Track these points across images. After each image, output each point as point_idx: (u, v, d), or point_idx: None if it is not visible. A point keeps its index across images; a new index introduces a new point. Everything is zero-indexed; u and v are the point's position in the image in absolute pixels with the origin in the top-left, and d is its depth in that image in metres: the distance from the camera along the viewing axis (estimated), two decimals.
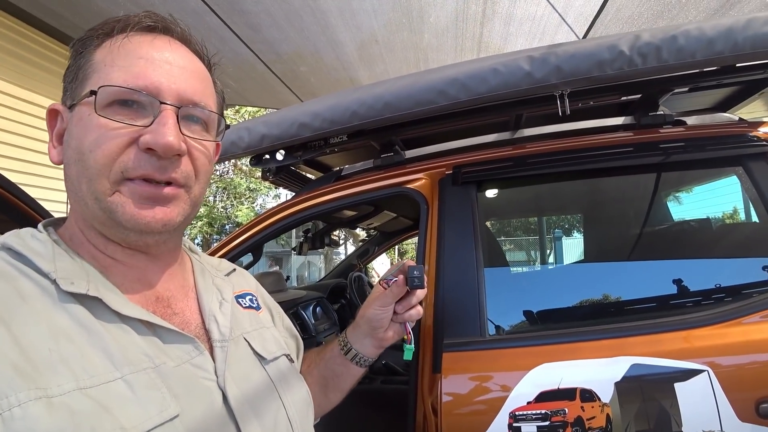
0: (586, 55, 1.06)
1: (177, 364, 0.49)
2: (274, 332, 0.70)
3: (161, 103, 0.49)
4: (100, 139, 0.48)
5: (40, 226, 0.53)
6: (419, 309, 0.77)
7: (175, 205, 0.52)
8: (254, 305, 0.70)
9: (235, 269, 0.74)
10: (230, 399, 0.51)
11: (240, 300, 0.67)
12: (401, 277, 0.72)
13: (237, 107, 10.10)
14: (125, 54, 0.50)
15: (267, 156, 1.39)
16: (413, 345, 0.77)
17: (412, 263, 0.75)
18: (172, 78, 0.50)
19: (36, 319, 0.43)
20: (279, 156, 1.37)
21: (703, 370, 0.90)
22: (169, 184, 0.51)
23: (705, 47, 1.02)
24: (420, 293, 0.76)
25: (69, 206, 0.54)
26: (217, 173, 14.14)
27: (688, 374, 0.90)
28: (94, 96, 0.48)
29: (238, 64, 3.74)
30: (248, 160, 1.45)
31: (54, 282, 0.45)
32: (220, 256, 1.36)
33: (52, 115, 0.54)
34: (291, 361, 0.69)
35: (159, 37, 0.53)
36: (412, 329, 0.77)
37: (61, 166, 0.53)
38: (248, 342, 0.61)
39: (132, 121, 0.48)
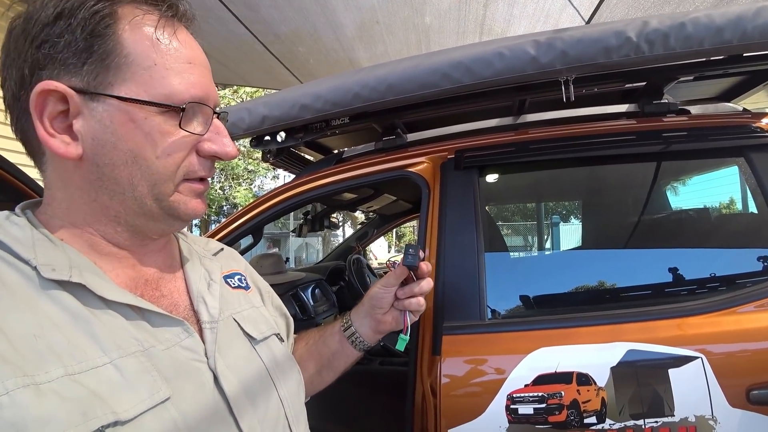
0: (593, 41, 1.04)
1: (166, 347, 0.49)
2: (264, 311, 0.70)
3: (214, 112, 0.53)
4: (171, 148, 0.49)
5: (17, 209, 0.51)
6: (420, 301, 0.76)
7: (206, 195, 0.57)
8: (243, 285, 0.69)
9: (222, 249, 0.73)
10: (221, 380, 0.51)
11: (228, 280, 0.67)
12: (403, 257, 0.73)
13: (235, 87, 9.98)
14: (174, 56, 0.49)
15: (267, 137, 1.37)
16: (408, 336, 0.76)
17: (414, 244, 0.75)
18: (209, 83, 0.53)
19: (19, 307, 0.42)
20: (280, 137, 1.36)
21: (697, 357, 0.91)
22: (206, 179, 0.55)
23: (713, 35, 1.01)
24: (424, 285, 0.75)
25: (61, 197, 0.51)
26: None
27: (682, 360, 0.91)
28: (171, 107, 0.48)
29: (236, 44, 3.68)
30: (248, 141, 1.44)
31: (35, 269, 0.44)
32: (220, 238, 1.36)
33: (44, 95, 0.46)
34: (281, 340, 0.69)
35: (180, 28, 0.52)
36: (411, 323, 0.77)
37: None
38: (238, 322, 0.60)
39: (193, 129, 0.51)
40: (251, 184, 14.20)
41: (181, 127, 0.49)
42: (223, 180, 14.15)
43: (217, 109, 0.55)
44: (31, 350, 0.40)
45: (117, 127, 0.47)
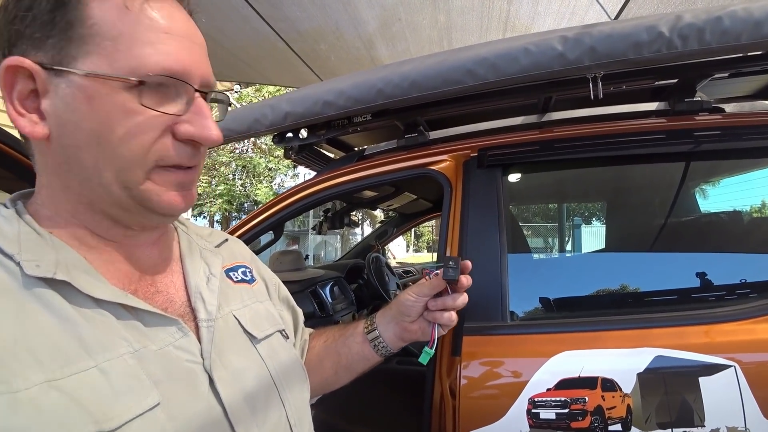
0: (623, 36, 1.01)
1: (159, 348, 0.46)
2: (269, 306, 0.67)
3: (195, 90, 0.47)
4: (136, 128, 0.44)
5: (7, 201, 0.49)
6: (452, 316, 0.72)
7: (194, 186, 0.52)
8: (247, 278, 0.66)
9: (227, 239, 0.70)
10: (217, 382, 0.48)
11: (231, 273, 0.64)
12: (442, 270, 0.69)
13: (258, 86, 10.11)
14: (148, 25, 0.44)
15: (290, 134, 1.38)
16: (433, 350, 0.73)
17: (453, 256, 0.71)
18: (195, 58, 0.47)
19: None
20: (302, 134, 1.36)
21: (730, 366, 0.88)
22: (191, 168, 0.50)
23: (752, 29, 0.96)
24: (459, 300, 0.72)
25: (45, 183, 0.48)
26: (237, 151, 14.26)
27: (713, 369, 0.88)
28: (129, 80, 0.43)
29: (259, 42, 3.71)
30: (270, 138, 1.45)
31: (18, 265, 0.41)
32: (241, 234, 1.37)
33: (11, 72, 0.43)
34: (285, 336, 0.66)
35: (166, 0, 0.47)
36: (438, 336, 0.74)
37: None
38: (238, 319, 0.57)
39: (165, 108, 0.45)
40: (272, 182, 14.36)
41: (142, 105, 0.43)
42: (244, 177, 14.36)
43: (210, 91, 0.50)
44: (10, 354, 0.37)
45: (78, 105, 0.43)
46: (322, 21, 3.23)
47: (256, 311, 0.62)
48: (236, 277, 0.64)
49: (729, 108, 1.23)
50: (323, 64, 4.05)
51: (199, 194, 14.07)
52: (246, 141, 13.36)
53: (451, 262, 0.68)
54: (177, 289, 0.54)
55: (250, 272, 0.68)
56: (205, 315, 0.52)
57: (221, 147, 13.50)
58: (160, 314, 0.48)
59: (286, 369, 0.60)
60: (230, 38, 4.07)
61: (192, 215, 14.13)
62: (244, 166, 13.97)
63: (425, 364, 0.75)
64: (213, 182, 14.38)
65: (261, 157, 13.66)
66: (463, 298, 0.72)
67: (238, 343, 0.55)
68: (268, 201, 1.40)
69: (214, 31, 3.78)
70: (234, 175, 14.62)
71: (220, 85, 7.65)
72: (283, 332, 0.66)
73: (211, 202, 14.25)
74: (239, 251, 0.71)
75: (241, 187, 14.23)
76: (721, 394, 0.86)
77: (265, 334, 0.60)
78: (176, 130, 0.47)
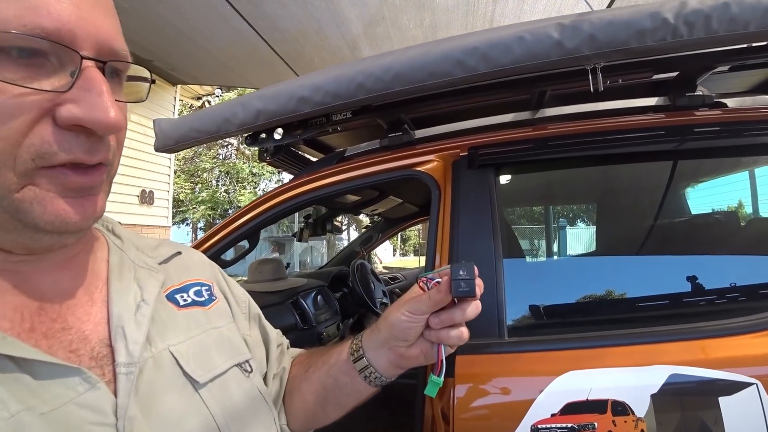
0: (625, 23, 0.92)
1: (52, 408, 0.35)
2: (229, 331, 0.55)
3: (83, 57, 0.35)
4: None
5: None
6: (463, 333, 0.55)
7: (103, 191, 0.40)
8: (202, 299, 0.54)
9: (179, 253, 0.57)
10: None
11: (178, 296, 0.52)
12: (446, 279, 0.51)
13: (240, 90, 9.94)
14: None
15: (264, 134, 1.27)
16: (442, 378, 0.55)
17: (464, 263, 0.52)
18: (83, 14, 0.35)
19: None
20: (277, 134, 1.25)
21: (752, 383, 0.79)
22: (94, 166, 0.38)
23: (761, 17, 0.89)
24: (471, 309, 0.53)
25: None
26: (220, 157, 14.06)
27: (734, 387, 0.79)
28: None
29: (239, 43, 3.60)
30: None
31: None
32: (212, 245, 1.25)
33: None
34: (247, 370, 0.54)
35: None
36: (446, 356, 0.56)
37: None
38: (176, 359, 0.45)
39: (38, 83, 0.34)
40: (256, 188, 14.19)
41: (1, 80, 0.32)
42: (228, 183, 14.16)
43: (110, 61, 0.37)
44: None
45: None
46: (304, 20, 3.14)
47: (205, 343, 0.50)
48: (184, 300, 0.52)
49: (730, 103, 1.16)
50: (306, 66, 3.95)
51: (181, 201, 13.85)
52: (229, 147, 13.18)
53: (462, 272, 0.50)
54: (95, 324, 0.42)
55: (208, 291, 0.56)
56: (125, 358, 0.40)
57: (203, 152, 13.31)
58: (54, 363, 0.36)
59: (240, 413, 0.48)
60: (209, 38, 3.93)
61: (174, 223, 13.88)
62: (227, 172, 13.79)
63: (434, 395, 0.58)
64: (196, 189, 14.15)
65: (244, 163, 13.49)
66: (474, 308, 0.54)
67: (175, 388, 0.44)
68: (240, 208, 1.28)
69: (191, 30, 3.66)
70: (217, 181, 14.41)
71: (200, 89, 7.44)
72: (245, 365, 0.54)
73: (193, 209, 14.01)
74: (195, 265, 0.59)
75: (224, 194, 14.03)
76: (744, 414, 0.78)
77: (213, 375, 0.48)
78: (57, 112, 0.35)
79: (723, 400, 0.79)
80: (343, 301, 2.43)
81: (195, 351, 0.48)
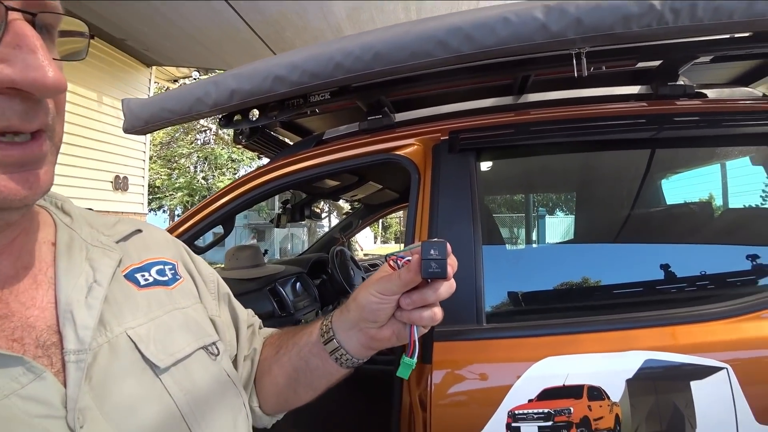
0: (611, 8, 0.91)
1: None
2: (195, 312, 0.53)
3: (8, 8, 0.31)
4: None
5: None
6: (436, 314, 0.51)
7: (48, 162, 0.36)
8: (165, 278, 0.51)
9: (139, 231, 0.54)
10: None
11: (138, 275, 0.49)
12: (417, 258, 0.48)
13: (218, 73, 9.69)
14: None
15: (238, 116, 1.22)
16: (415, 359, 0.53)
17: (435, 240, 0.48)
18: None
19: None
20: (252, 116, 1.20)
21: (722, 368, 0.81)
22: (34, 135, 0.34)
23: (745, 8, 0.89)
24: (444, 289, 0.50)
25: None
26: (198, 142, 13.74)
27: (705, 371, 0.81)
28: None
29: (219, 25, 3.48)
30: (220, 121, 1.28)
31: None
32: (186, 230, 1.21)
33: None
34: (213, 353, 0.51)
35: None
36: (419, 336, 0.54)
37: None
38: (135, 343, 0.42)
39: None
40: (235, 174, 13.95)
41: None
42: (206, 170, 13.87)
43: (40, 12, 0.33)
44: None
45: None
46: (287, 1, 3.04)
47: (168, 326, 0.47)
48: (145, 280, 0.49)
49: (711, 94, 1.17)
50: (287, 48, 3.85)
51: (158, 187, 13.53)
52: (207, 131, 12.88)
53: (433, 251, 0.47)
54: (42, 309, 0.38)
55: (171, 270, 0.53)
56: (74, 344, 0.37)
57: (180, 137, 12.99)
58: None
59: (205, 398, 0.46)
60: (186, 18, 3.78)
61: (150, 210, 13.55)
62: (205, 158, 13.51)
63: (406, 377, 0.57)
64: (173, 175, 13.82)
65: (223, 148, 13.23)
66: (448, 287, 0.51)
67: (133, 374, 0.41)
68: (214, 193, 1.23)
69: (167, 9, 3.50)
70: (195, 166, 14.10)
71: (176, 72, 7.18)
72: (211, 347, 0.51)
73: (170, 195, 13.70)
74: (157, 243, 0.56)
75: (202, 180, 13.76)
76: (713, 398, 0.80)
77: (176, 359, 0.45)
78: None
79: (694, 384, 0.80)
80: (322, 288, 2.41)
81: (156, 334, 0.45)
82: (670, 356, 0.81)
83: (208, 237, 1.76)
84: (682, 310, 0.88)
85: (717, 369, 0.81)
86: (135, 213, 5.87)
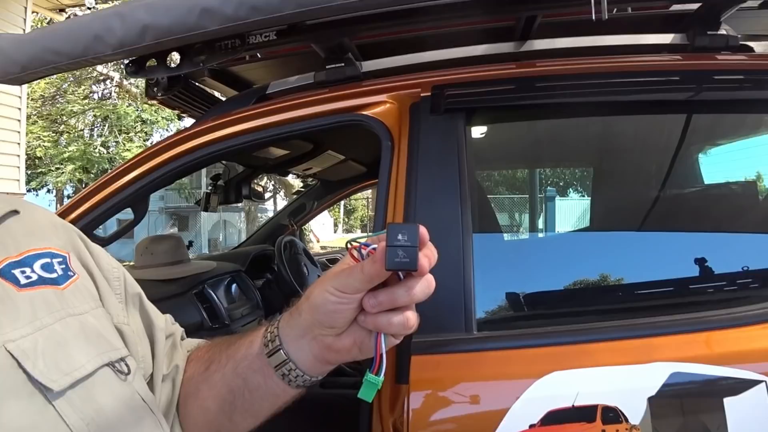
0: None
1: None
2: (95, 319, 0.53)
3: None
4: None
5: None
6: (409, 320, 0.51)
7: None
8: (54, 275, 0.51)
9: (15, 212, 0.53)
10: None
11: (17, 271, 0.49)
12: (382, 245, 0.47)
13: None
14: None
15: (153, 60, 1.21)
16: (382, 377, 0.52)
17: (405, 224, 0.50)
18: None
19: None
20: (171, 61, 1.19)
21: (761, 381, 0.87)
22: None
23: None
24: (420, 287, 0.50)
25: None
26: (95, 96, 13.31)
27: (741, 386, 0.87)
28: None
29: None
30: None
31: None
32: (81, 215, 1.20)
33: None
34: (122, 372, 0.51)
35: None
36: (387, 348, 0.53)
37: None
38: (16, 359, 0.42)
39: None
40: (147, 140, 13.63)
41: None
42: (107, 134, 13.49)
43: None
44: None
45: None
46: None
47: (61, 336, 0.47)
48: (27, 278, 0.49)
49: (757, 48, 1.23)
50: None
51: (40, 158, 13.09)
52: (107, 81, 12.48)
53: (401, 236, 0.46)
54: None
55: (62, 264, 0.53)
56: None
57: (70, 88, 12.56)
58: None
59: (113, 429, 0.46)
60: None
61: (30, 189, 13.11)
62: (105, 117, 13.10)
63: (370, 400, 0.56)
64: (61, 141, 13.39)
65: (129, 105, 12.87)
66: (425, 285, 0.50)
67: (18, 397, 0.41)
68: (118, 165, 1.22)
69: None
70: (91, 130, 13.70)
71: None
72: (119, 364, 0.52)
73: (57, 169, 13.27)
74: (41, 229, 0.55)
75: (102, 148, 13.38)
76: (751, 417, 0.86)
77: (74, 379, 0.45)
78: None
79: (728, 402, 0.86)
80: (266, 291, 2.45)
81: (45, 347, 0.44)
82: (701, 368, 0.87)
83: (112, 225, 1.74)
84: (714, 312, 0.94)
85: (755, 383, 0.87)
86: (7, 193, 5.69)
